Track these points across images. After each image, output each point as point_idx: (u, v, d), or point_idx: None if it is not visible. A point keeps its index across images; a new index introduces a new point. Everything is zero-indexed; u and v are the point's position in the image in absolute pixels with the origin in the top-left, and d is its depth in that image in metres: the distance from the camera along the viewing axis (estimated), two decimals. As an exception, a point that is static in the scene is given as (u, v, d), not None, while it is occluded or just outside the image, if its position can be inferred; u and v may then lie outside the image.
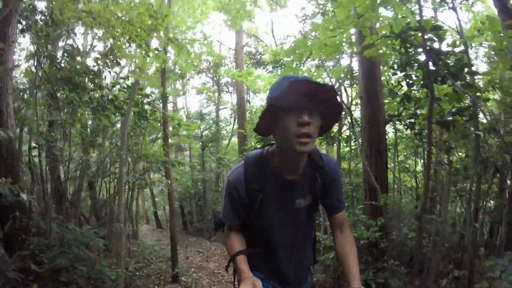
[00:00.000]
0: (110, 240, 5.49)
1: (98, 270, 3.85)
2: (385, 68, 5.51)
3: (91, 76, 3.47)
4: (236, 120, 11.76)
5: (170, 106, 13.79)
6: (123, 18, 3.66)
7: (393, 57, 4.81)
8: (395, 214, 4.45)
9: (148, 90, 5.84)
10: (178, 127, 6.23)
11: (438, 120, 3.73)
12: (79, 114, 4.39)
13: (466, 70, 3.59)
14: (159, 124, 5.49)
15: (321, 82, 1.20)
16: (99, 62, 3.69)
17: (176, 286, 5.94)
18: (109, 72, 3.96)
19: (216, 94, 14.86)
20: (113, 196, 5.67)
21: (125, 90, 4.33)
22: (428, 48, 3.48)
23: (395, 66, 4.35)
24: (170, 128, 6.25)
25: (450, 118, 3.74)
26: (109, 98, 3.96)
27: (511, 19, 3.95)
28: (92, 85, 3.94)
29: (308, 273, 1.78)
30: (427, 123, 3.43)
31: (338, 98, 1.38)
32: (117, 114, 4.36)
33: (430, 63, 3.43)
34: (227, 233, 1.63)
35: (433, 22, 3.80)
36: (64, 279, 3.71)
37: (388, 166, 5.44)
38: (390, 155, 7.51)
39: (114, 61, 3.62)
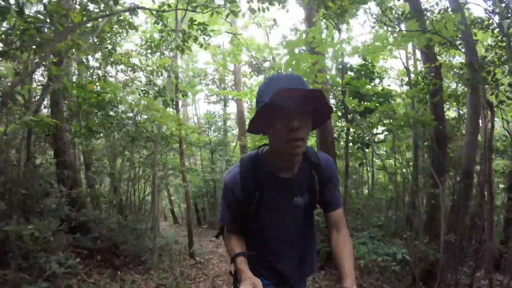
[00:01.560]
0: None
1: (142, 244, 5.89)
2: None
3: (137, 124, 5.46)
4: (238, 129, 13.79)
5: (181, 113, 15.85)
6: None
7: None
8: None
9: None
10: (190, 145, 8.32)
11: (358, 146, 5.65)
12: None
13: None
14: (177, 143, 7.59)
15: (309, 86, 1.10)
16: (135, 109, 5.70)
17: (192, 260, 7.93)
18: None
19: (223, 103, 16.84)
20: (143, 197, 7.75)
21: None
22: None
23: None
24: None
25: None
26: (142, 131, 5.97)
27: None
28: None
29: (309, 274, 1.80)
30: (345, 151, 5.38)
31: (327, 100, 1.38)
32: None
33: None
34: (227, 235, 1.66)
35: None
36: (120, 250, 5.74)
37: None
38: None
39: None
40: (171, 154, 9.40)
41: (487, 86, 5.32)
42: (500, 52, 5.06)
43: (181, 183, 9.91)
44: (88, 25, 3.78)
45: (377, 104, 5.13)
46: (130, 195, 7.10)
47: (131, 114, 5.60)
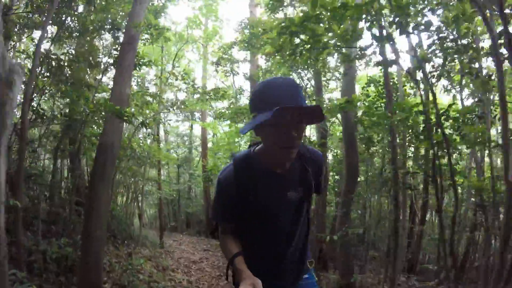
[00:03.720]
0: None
1: (131, 231, 8.82)
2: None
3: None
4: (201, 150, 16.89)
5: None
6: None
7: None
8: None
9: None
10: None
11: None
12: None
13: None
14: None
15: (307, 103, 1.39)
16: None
17: (162, 249, 10.78)
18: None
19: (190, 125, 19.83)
20: (130, 200, 10.65)
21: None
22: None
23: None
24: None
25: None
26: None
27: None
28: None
29: (306, 269, 1.78)
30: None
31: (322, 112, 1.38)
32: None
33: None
34: (222, 236, 1.66)
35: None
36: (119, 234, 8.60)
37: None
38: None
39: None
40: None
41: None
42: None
43: (153, 190, 12.79)
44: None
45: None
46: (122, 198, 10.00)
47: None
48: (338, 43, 3.93)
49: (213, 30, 12.37)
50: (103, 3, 6.20)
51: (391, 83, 5.63)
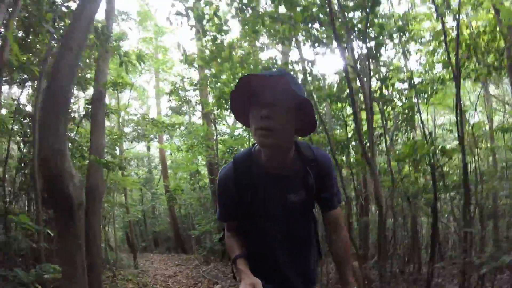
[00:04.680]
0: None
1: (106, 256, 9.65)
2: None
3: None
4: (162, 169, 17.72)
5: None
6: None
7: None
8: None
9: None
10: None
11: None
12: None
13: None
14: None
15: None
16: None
17: (137, 270, 11.57)
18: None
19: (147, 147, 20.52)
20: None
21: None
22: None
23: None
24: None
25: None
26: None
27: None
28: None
29: (314, 275, 1.73)
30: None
31: (298, 91, 1.35)
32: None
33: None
34: (227, 234, 1.69)
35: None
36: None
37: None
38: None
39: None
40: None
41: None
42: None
43: (120, 214, 13.51)
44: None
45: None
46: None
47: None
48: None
49: (162, 61, 13.40)
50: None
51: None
